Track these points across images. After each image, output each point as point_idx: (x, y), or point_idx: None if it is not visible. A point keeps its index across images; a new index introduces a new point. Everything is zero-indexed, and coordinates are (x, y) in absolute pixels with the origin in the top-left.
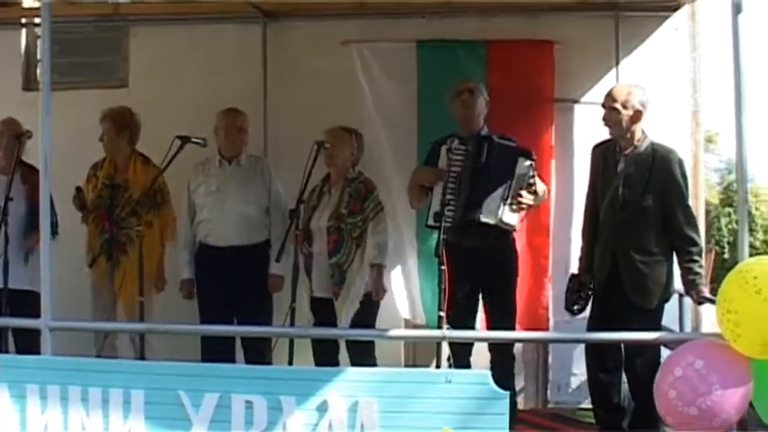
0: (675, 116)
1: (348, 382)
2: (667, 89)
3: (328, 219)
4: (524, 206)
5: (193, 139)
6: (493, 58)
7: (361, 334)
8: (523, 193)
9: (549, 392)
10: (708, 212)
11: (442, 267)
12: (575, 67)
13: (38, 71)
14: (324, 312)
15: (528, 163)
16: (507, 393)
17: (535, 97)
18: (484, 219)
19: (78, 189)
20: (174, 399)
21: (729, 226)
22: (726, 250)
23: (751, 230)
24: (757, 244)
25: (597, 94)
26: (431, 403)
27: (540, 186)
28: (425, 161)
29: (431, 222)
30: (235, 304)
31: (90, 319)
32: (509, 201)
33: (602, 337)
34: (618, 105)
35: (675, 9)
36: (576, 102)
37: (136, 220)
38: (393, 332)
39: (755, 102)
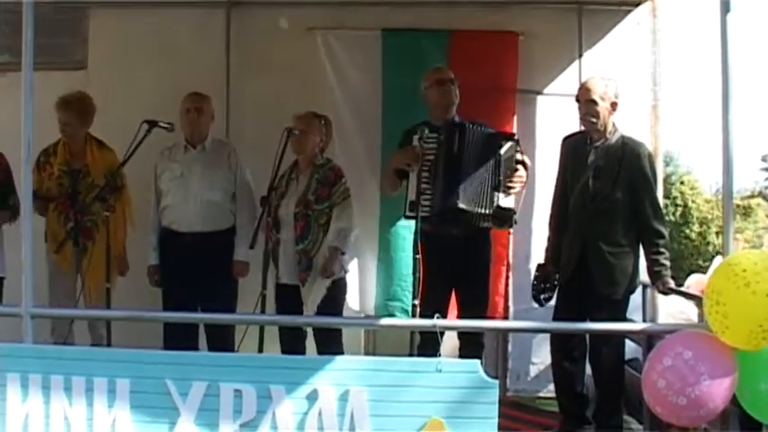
0: (635, 109)
1: (338, 371)
2: (628, 83)
3: (296, 205)
4: (521, 184)
5: (161, 124)
6: (455, 48)
7: (356, 323)
8: (519, 168)
9: (508, 381)
10: None
11: (417, 257)
12: (538, 59)
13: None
14: (290, 299)
15: (510, 144)
16: (497, 382)
17: (498, 88)
18: (461, 205)
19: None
20: (160, 387)
21: (667, 218)
22: None
23: (686, 222)
24: (693, 236)
25: (560, 85)
26: (421, 392)
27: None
28: (398, 148)
29: (408, 213)
30: (198, 291)
31: (62, 306)
32: (502, 186)
33: (577, 327)
34: (596, 98)
35: (637, 4)
36: (539, 93)
37: (102, 205)
38: (384, 321)
39: (699, 97)
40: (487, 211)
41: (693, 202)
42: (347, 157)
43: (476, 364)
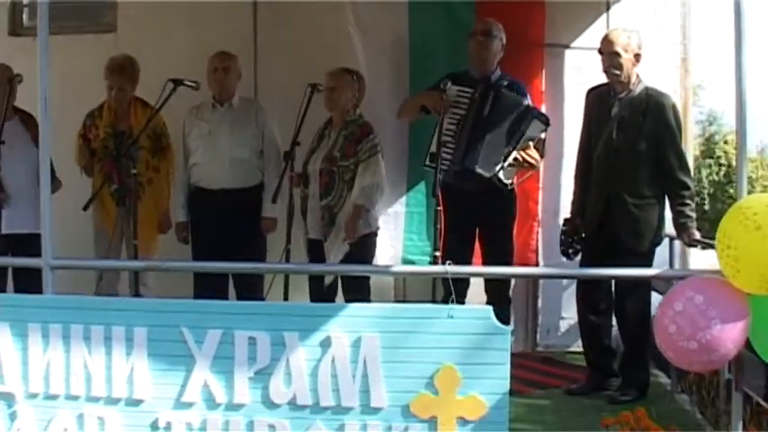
0: (664, 63)
1: (351, 318)
2: (657, 36)
3: (322, 161)
4: (527, 164)
5: (186, 82)
6: (483, 3)
7: (365, 270)
8: (531, 150)
9: (538, 336)
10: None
11: (438, 208)
12: (565, 13)
13: (24, 16)
14: (318, 254)
15: (542, 128)
16: (509, 329)
17: (525, 42)
18: (479, 170)
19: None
20: (176, 335)
21: (710, 177)
22: (706, 202)
23: (730, 182)
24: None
25: (588, 39)
26: (433, 338)
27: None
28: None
29: (427, 163)
30: (227, 247)
31: (90, 257)
32: (510, 159)
33: (597, 273)
34: (619, 49)
35: None
36: (567, 47)
37: (144, 165)
38: (395, 268)
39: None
40: (487, 175)
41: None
42: (374, 114)
43: (488, 310)
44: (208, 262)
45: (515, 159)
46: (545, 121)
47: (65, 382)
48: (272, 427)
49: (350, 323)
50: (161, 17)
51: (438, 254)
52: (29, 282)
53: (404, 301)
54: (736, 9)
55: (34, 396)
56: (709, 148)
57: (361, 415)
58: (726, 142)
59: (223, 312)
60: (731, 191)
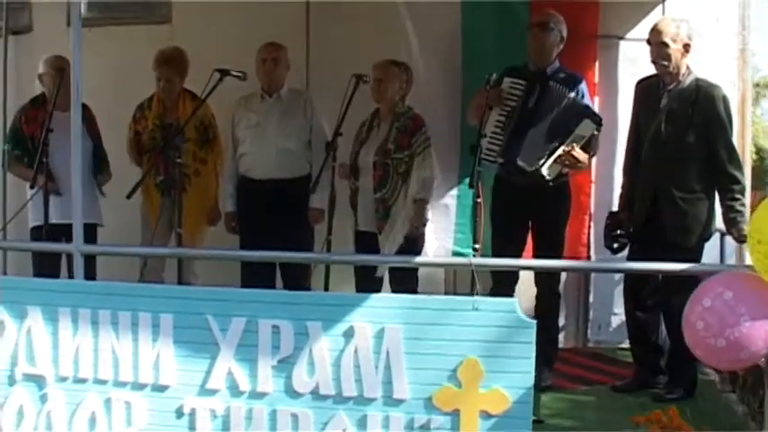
0: (723, 54)
1: (374, 308)
2: (715, 26)
3: (375, 153)
4: (572, 163)
5: (233, 72)
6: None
7: (382, 260)
8: (577, 149)
9: (589, 332)
10: (762, 159)
11: (478, 200)
12: (620, 3)
13: (82, 7)
14: (368, 246)
15: (593, 127)
16: (534, 322)
17: (579, 34)
18: (520, 162)
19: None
20: (202, 323)
21: None
22: None
23: None
24: None
25: (643, 30)
26: (457, 330)
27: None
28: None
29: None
30: (275, 237)
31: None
32: (555, 156)
33: (632, 267)
34: (668, 40)
35: None
36: (621, 38)
37: (191, 157)
38: (418, 259)
39: None
40: (528, 169)
41: None
42: (426, 106)
43: (513, 303)
44: (232, 251)
45: (560, 157)
46: (597, 121)
47: (93, 367)
48: (294, 416)
49: (373, 314)
50: (215, 6)
51: (477, 246)
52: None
53: (455, 294)
54: None
55: (64, 380)
56: None
57: (383, 406)
58: None
59: (247, 300)
60: None
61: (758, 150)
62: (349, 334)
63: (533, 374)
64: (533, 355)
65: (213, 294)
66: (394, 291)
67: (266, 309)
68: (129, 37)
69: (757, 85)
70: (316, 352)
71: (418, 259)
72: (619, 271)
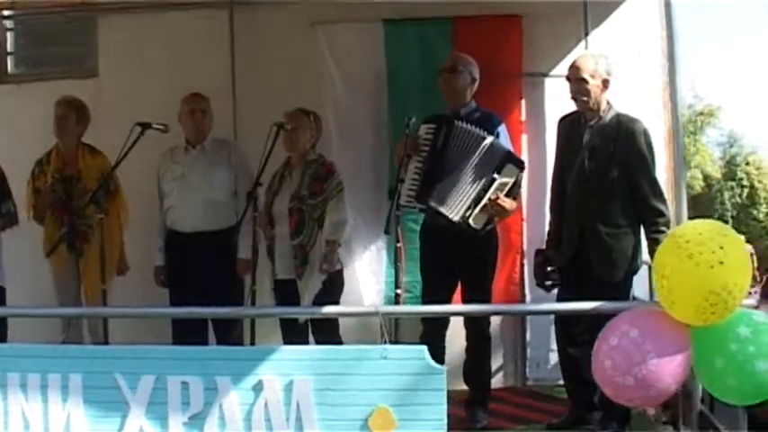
0: (647, 88)
1: (283, 361)
2: (639, 60)
3: (289, 200)
4: (499, 211)
5: (154, 125)
6: (459, 35)
7: (293, 312)
8: (503, 197)
9: (527, 370)
10: (710, 186)
11: (398, 245)
12: (543, 41)
13: (8, 64)
14: (288, 294)
15: (516, 172)
16: (444, 369)
17: (503, 72)
18: (432, 204)
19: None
20: (111, 382)
21: (733, 200)
22: (729, 224)
23: (754, 203)
24: (761, 216)
25: (567, 67)
26: (366, 380)
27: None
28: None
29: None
30: (204, 290)
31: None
32: (481, 205)
33: (551, 309)
34: (586, 76)
35: None
36: (546, 75)
37: (96, 209)
38: (326, 309)
39: (758, 74)
40: (455, 219)
41: (760, 182)
42: (354, 151)
43: (422, 350)
44: (150, 308)
45: (485, 206)
46: (520, 166)
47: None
48: None
49: (282, 366)
50: (142, 60)
51: (399, 291)
52: None
53: (395, 343)
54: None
55: None
56: (730, 170)
57: None
58: (747, 163)
59: (155, 357)
60: (754, 212)
61: (705, 177)
62: (258, 388)
63: (445, 421)
64: (444, 401)
65: (121, 353)
66: (317, 340)
67: (175, 365)
68: (57, 92)
69: (701, 113)
70: (226, 407)
71: (325, 309)
72: (528, 313)
